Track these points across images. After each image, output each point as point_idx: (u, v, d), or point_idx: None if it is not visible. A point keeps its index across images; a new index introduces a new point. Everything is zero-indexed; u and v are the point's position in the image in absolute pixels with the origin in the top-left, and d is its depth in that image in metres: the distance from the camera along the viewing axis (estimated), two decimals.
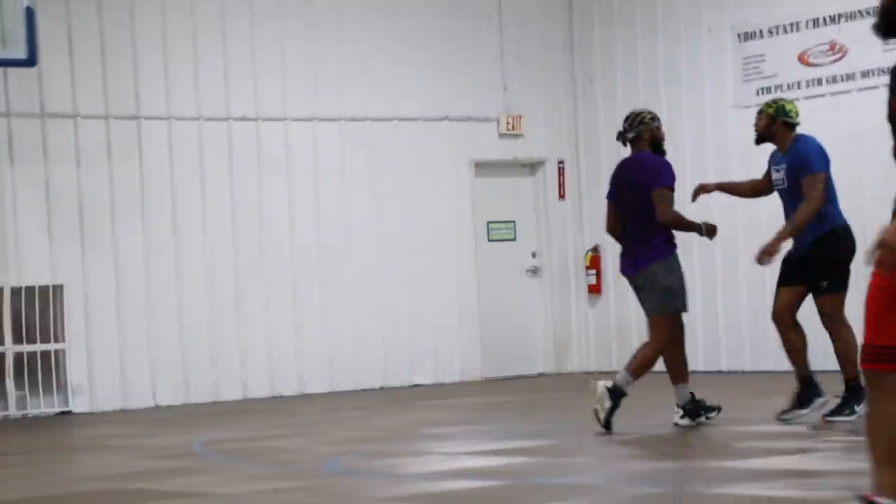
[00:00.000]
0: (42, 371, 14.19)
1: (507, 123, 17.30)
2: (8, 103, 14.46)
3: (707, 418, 10.00)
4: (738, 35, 15.44)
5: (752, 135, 10.20)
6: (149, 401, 14.71)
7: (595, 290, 17.18)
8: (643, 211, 9.99)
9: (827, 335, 9.49)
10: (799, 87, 15.46)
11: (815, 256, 9.54)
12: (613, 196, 10.52)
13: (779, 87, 15.38)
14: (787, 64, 15.20)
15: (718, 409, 9.88)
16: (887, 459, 4.83)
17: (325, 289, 15.96)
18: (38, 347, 14.18)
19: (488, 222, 17.49)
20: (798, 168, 9.40)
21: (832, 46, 15.00)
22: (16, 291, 14.15)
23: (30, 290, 14.24)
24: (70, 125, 14.80)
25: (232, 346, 15.17)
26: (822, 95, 15.20)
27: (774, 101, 9.92)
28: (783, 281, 9.77)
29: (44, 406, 14.18)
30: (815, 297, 9.58)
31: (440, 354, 16.41)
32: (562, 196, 17.48)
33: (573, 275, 17.44)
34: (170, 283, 14.88)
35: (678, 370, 10.11)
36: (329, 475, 8.80)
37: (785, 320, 9.62)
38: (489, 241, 17.35)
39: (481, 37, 17.45)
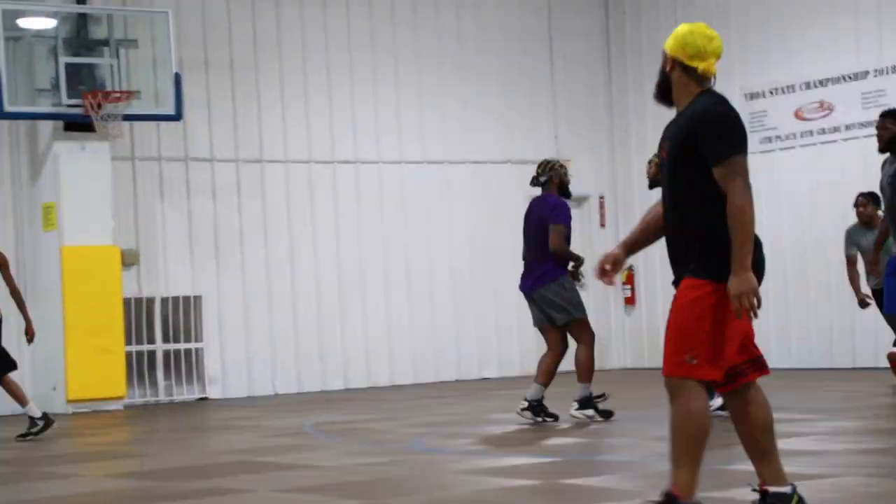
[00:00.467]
0: (185, 365, 14.38)
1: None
2: (159, 150, 14.74)
3: (545, 421, 9.75)
4: (745, 94, 15.51)
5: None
6: (269, 389, 14.82)
7: (630, 301, 17.23)
8: (542, 240, 9.90)
9: None
10: (794, 138, 15.63)
11: None
12: (525, 226, 10.45)
13: (778, 137, 15.56)
14: (786, 118, 15.32)
15: (556, 417, 9.53)
16: (756, 449, 4.82)
17: (411, 300, 15.90)
18: (182, 346, 14.39)
19: None
20: None
21: (822, 104, 15.09)
22: (164, 301, 14.43)
23: (175, 299, 14.47)
24: (208, 167, 15.03)
25: (336, 346, 15.25)
26: (814, 144, 15.28)
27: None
28: None
29: (186, 393, 14.37)
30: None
31: (504, 353, 16.24)
32: (602, 224, 17.43)
33: (612, 289, 17.25)
34: (286, 294, 15.04)
35: (547, 373, 9.93)
36: (413, 451, 8.81)
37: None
38: None
39: (538, 95, 17.28)
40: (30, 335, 10.86)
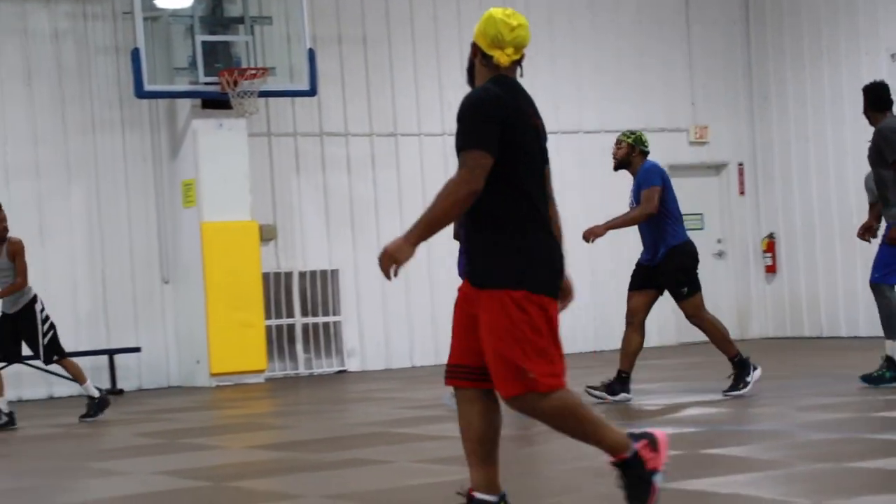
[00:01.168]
0: (323, 338, 14.42)
1: (696, 133, 17.05)
2: (294, 125, 14.78)
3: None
4: (892, 55, 14.92)
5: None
6: (406, 362, 14.82)
7: (771, 269, 16.79)
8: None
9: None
10: None
11: (667, 267, 9.17)
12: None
13: None
14: None
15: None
16: (475, 459, 4.67)
17: None
18: (321, 319, 14.44)
19: (683, 214, 17.28)
20: (640, 184, 9.05)
21: None
22: (302, 275, 14.47)
23: (313, 273, 14.49)
24: (342, 142, 15.05)
25: None
26: None
27: (632, 133, 9.52)
28: (636, 285, 9.38)
29: (325, 366, 14.46)
30: (679, 303, 9.26)
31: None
32: (741, 192, 16.99)
33: (752, 257, 17.07)
34: (422, 267, 14.68)
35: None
36: None
37: (635, 321, 9.26)
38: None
39: (675, 63, 17.17)
40: None
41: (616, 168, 9.37)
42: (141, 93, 13.02)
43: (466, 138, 4.47)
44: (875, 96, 9.08)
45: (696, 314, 9.10)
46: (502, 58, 4.68)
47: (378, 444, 8.02)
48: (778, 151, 16.62)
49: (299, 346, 14.48)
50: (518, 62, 4.75)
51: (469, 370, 4.68)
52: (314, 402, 11.85)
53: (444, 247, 14.84)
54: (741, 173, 17.20)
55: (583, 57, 16.20)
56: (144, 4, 13.08)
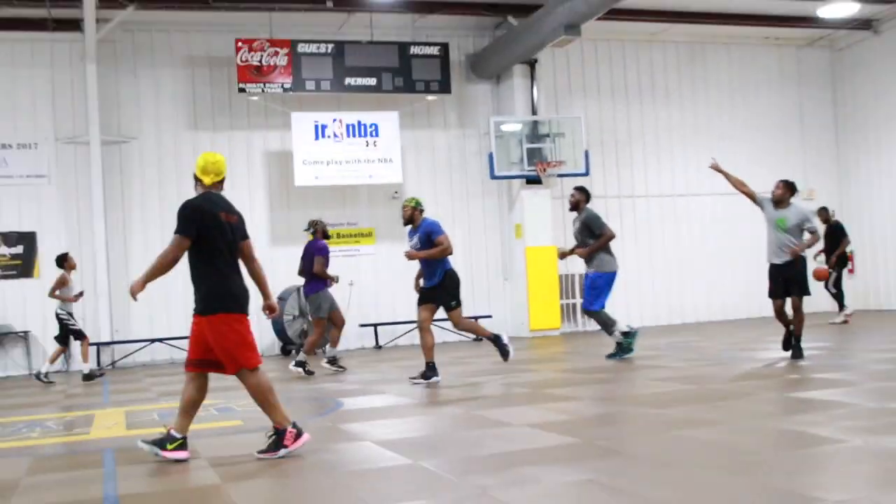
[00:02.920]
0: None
1: (807, 192, 19.81)
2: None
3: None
4: None
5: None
6: (638, 323, 17.71)
7: (851, 271, 19.14)
8: (311, 267, 11.82)
9: None
10: None
11: (444, 287, 9.77)
12: (302, 256, 12.03)
13: None
14: None
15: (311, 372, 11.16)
16: (183, 410, 5.86)
17: (703, 286, 18.97)
18: (576, 301, 18.66)
19: None
20: (429, 233, 9.68)
21: None
22: (571, 277, 17.12)
23: (572, 276, 18.04)
24: (602, 201, 17.92)
25: (686, 298, 18.62)
26: None
27: (413, 198, 10.07)
28: (423, 301, 9.86)
29: (588, 327, 17.06)
30: (448, 312, 9.81)
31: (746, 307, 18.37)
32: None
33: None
34: (648, 261, 18.46)
35: (312, 345, 11.59)
36: (722, 360, 10.48)
37: (426, 326, 9.73)
38: None
39: (793, 147, 19.94)
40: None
41: (405, 224, 9.98)
42: (493, 176, 17.27)
43: (177, 227, 5.60)
44: None
45: (458, 322, 9.83)
46: (208, 179, 5.81)
47: (622, 371, 9.84)
48: (855, 202, 19.76)
49: (578, 315, 18.00)
50: (220, 182, 5.94)
51: (197, 363, 5.81)
52: (586, 346, 13.84)
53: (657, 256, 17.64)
54: (834, 216, 18.60)
55: (718, 137, 19.15)
56: (495, 130, 17.15)
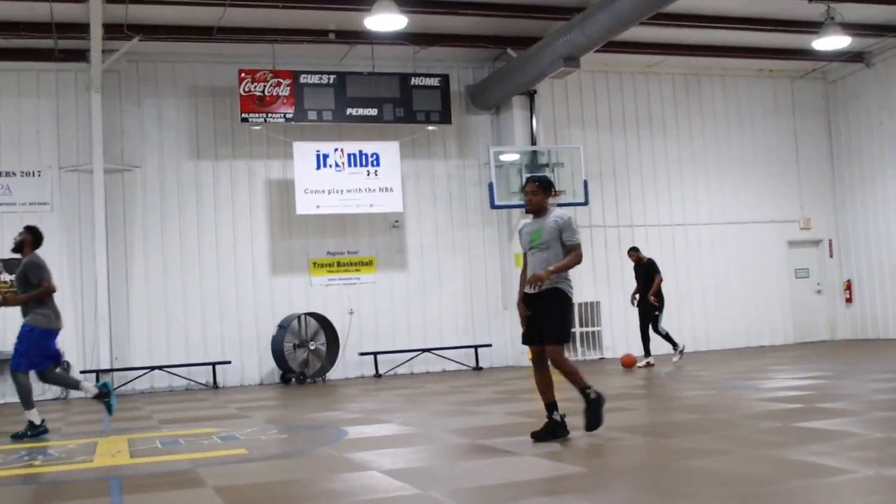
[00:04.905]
0: (590, 340, 17.74)
1: (803, 223, 20.70)
2: (576, 222, 19.21)
3: None
4: None
5: None
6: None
7: (849, 300, 20.33)
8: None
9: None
10: None
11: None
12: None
13: None
14: None
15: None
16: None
17: (715, 308, 19.30)
18: (588, 329, 17.79)
19: (796, 269, 20.31)
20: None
21: None
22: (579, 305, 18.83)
23: (580, 304, 18.65)
24: (601, 231, 18.52)
25: (699, 323, 19.32)
26: None
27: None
28: None
29: (589, 356, 17.90)
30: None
31: (766, 326, 19.38)
32: (831, 256, 20.65)
33: (837, 294, 20.41)
34: (681, 291, 18.29)
35: None
36: (726, 388, 10.56)
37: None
38: (796, 278, 20.49)
39: (790, 180, 20.22)
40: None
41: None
42: (493, 206, 17.43)
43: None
44: None
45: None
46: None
47: (634, 399, 10.07)
48: (851, 231, 20.06)
49: (578, 344, 18.36)
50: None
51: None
52: (586, 375, 14.20)
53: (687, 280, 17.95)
54: (830, 245, 20.79)
55: (720, 168, 19.59)
56: (495, 160, 17.36)
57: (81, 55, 16.39)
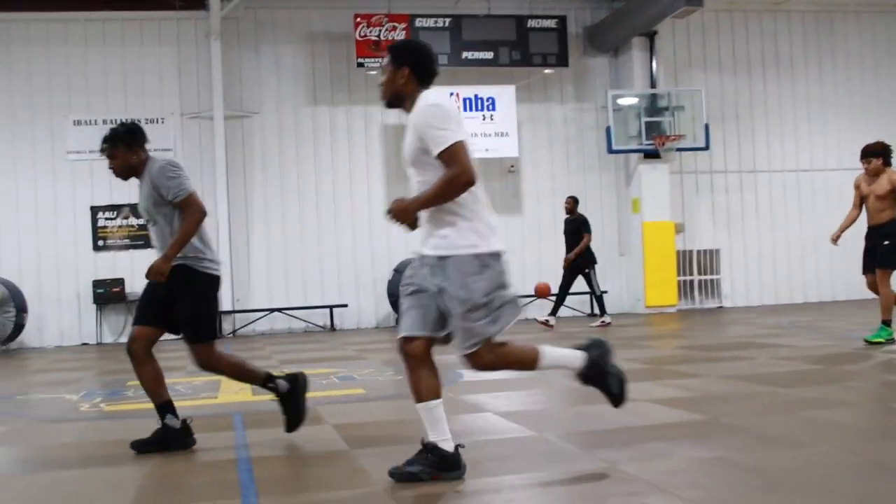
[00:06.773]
0: (709, 288, 17.77)
1: None
2: (696, 166, 18.08)
3: None
4: None
5: None
6: (761, 301, 18.06)
7: None
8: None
9: None
10: None
11: None
12: None
13: None
14: None
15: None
16: None
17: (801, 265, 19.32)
18: (707, 277, 17.74)
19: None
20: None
21: None
22: (698, 252, 17.83)
23: (702, 251, 17.81)
24: (722, 176, 18.21)
25: (810, 275, 18.70)
26: None
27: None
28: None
29: (709, 303, 17.85)
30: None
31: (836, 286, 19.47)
32: None
33: None
34: (772, 242, 18.45)
35: None
36: (849, 338, 10.59)
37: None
38: None
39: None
40: None
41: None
42: (611, 150, 17.43)
43: None
44: None
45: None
46: None
47: (747, 348, 9.63)
48: None
49: (696, 292, 18.50)
50: None
51: None
52: (704, 323, 14.05)
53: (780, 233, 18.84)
54: None
55: (827, 118, 18.92)
56: (613, 104, 17.34)
57: (201, 3, 16.79)
